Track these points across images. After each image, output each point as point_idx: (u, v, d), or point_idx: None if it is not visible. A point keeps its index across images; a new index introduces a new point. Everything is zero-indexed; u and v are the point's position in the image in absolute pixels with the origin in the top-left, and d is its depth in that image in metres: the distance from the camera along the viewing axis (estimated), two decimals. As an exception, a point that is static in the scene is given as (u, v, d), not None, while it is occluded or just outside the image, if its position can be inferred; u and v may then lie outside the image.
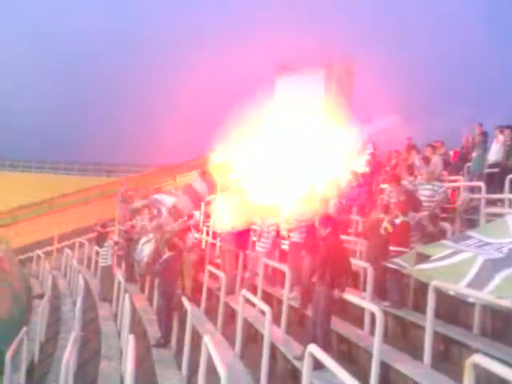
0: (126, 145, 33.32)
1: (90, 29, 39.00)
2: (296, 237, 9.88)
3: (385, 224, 8.52)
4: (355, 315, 8.12)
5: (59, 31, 39.86)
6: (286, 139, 12.94)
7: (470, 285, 5.96)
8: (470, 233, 7.44)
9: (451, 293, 6.18)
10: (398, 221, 8.40)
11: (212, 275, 11.47)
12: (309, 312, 7.63)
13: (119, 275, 13.34)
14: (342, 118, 13.62)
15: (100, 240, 16.70)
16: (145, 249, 12.94)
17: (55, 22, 40.00)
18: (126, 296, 10.46)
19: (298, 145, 12.61)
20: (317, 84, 15.19)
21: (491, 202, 10.45)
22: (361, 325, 7.70)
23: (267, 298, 9.72)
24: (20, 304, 14.39)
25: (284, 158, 12.43)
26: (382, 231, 8.50)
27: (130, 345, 6.76)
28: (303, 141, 12.63)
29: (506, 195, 10.06)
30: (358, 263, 9.16)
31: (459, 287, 5.96)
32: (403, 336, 7.56)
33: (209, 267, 11.41)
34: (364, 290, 8.32)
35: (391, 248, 8.18)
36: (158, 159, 30.68)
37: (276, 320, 8.16)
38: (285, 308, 8.57)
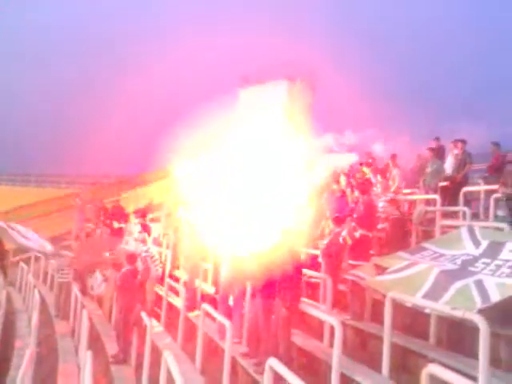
0: (85, 155, 32.71)
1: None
2: None
3: (344, 234, 8.60)
4: (315, 327, 8.18)
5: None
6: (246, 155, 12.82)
7: (426, 296, 6.11)
8: (425, 244, 7.63)
9: (408, 304, 6.32)
10: (357, 234, 8.51)
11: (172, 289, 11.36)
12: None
13: (76, 290, 13.06)
14: (302, 131, 13.76)
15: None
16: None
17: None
18: (84, 311, 10.24)
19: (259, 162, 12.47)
20: (279, 96, 15.32)
21: (446, 215, 10.74)
22: (321, 337, 7.77)
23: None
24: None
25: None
26: (341, 240, 8.59)
27: (87, 361, 6.62)
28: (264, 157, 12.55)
29: (460, 208, 10.37)
30: (317, 275, 9.28)
31: (416, 298, 6.10)
32: (362, 347, 7.66)
33: (168, 280, 11.30)
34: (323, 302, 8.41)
35: (350, 262, 8.28)
36: (117, 170, 30.22)
37: (238, 333, 8.16)
38: (246, 323, 8.56)
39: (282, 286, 6.97)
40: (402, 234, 8.80)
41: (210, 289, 10.89)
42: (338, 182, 12.62)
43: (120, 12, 38.65)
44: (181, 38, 33.62)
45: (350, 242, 8.49)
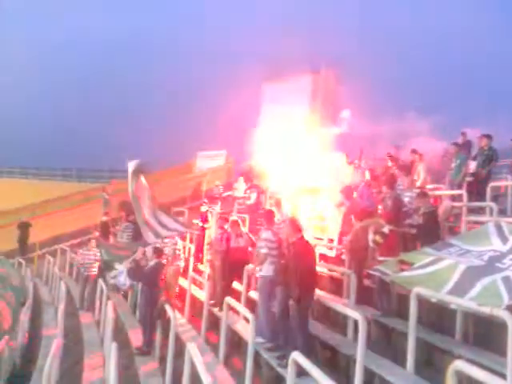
0: (110, 150, 33.01)
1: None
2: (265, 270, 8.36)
3: (373, 237, 8.48)
4: (339, 322, 8.17)
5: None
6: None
7: (451, 292, 6.04)
8: (452, 240, 7.54)
9: (433, 300, 6.26)
10: (386, 230, 8.40)
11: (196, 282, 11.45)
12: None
13: (102, 283, 13.26)
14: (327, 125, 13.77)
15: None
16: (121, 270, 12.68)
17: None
18: (109, 303, 10.39)
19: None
20: (303, 90, 15.24)
21: (472, 210, 10.59)
22: (345, 331, 7.76)
23: (251, 305, 9.73)
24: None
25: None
26: (372, 244, 8.48)
27: (112, 353, 6.71)
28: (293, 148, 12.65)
29: (487, 203, 10.20)
30: (341, 270, 9.26)
31: (441, 294, 6.04)
32: (387, 342, 7.62)
33: (192, 274, 11.38)
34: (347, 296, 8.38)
35: (379, 258, 8.20)
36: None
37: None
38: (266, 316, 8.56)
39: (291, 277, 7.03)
40: (436, 227, 8.64)
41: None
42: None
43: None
44: (208, 37, 33.68)
45: (381, 241, 8.38)
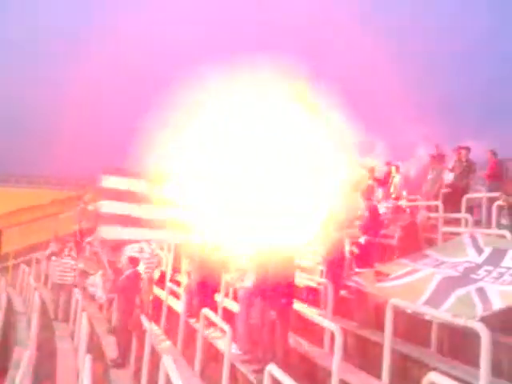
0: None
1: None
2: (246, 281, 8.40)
3: (349, 248, 8.53)
4: (316, 334, 8.15)
5: None
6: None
7: (427, 302, 6.08)
8: (428, 252, 7.61)
9: (409, 311, 6.28)
10: (362, 241, 8.45)
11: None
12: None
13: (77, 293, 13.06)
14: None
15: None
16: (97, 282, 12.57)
17: None
18: (84, 314, 10.22)
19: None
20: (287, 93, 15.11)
21: (448, 222, 10.70)
22: (322, 343, 7.74)
23: (228, 317, 9.66)
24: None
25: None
26: (348, 255, 8.52)
27: (86, 365, 6.59)
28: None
29: (462, 214, 10.34)
30: (318, 280, 9.26)
31: (416, 305, 6.07)
32: (363, 354, 7.61)
33: (169, 285, 11.27)
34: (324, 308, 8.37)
35: (356, 269, 8.24)
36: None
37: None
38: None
39: (274, 290, 6.95)
40: (416, 239, 8.72)
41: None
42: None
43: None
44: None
45: (356, 251, 8.43)
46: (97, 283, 11.74)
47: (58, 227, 21.57)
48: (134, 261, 10.25)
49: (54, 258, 15.42)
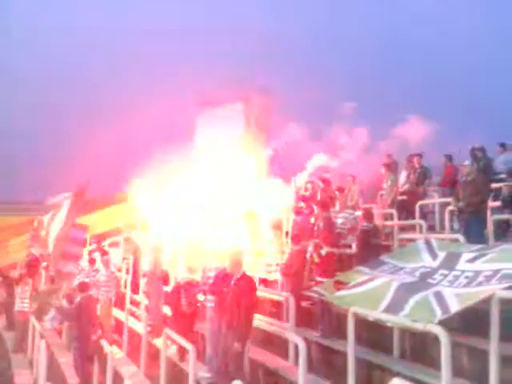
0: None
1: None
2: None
3: (310, 255, 8.62)
4: (280, 345, 8.14)
5: None
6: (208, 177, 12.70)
7: (387, 309, 6.15)
8: (385, 258, 7.72)
9: (370, 319, 6.36)
10: (323, 252, 8.55)
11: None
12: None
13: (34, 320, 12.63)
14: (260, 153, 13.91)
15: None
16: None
17: None
18: (42, 342, 9.89)
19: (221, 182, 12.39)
20: (236, 119, 15.31)
21: (403, 229, 10.94)
22: (286, 355, 7.74)
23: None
24: None
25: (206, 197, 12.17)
26: (308, 257, 8.62)
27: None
28: (225, 177, 12.47)
29: (416, 221, 10.59)
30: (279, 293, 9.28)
31: (377, 312, 6.14)
32: (328, 364, 7.66)
33: (129, 306, 11.06)
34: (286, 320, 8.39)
35: (318, 279, 8.30)
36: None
37: (201, 357, 8.01)
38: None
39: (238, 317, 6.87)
40: (371, 246, 8.87)
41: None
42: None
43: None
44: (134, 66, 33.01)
45: (316, 259, 8.52)
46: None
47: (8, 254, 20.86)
48: (84, 286, 10.08)
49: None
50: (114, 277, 12.10)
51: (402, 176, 12.69)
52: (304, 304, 8.97)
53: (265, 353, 8.18)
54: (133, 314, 11.55)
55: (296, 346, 6.70)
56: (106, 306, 11.35)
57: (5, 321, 15.50)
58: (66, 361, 10.96)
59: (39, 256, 16.69)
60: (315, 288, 7.55)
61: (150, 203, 13.21)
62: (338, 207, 11.69)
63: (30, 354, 12.54)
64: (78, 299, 9.81)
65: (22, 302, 14.01)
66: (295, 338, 6.47)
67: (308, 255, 8.75)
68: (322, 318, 8.30)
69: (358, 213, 10.42)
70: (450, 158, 12.33)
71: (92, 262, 12.59)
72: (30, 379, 10.89)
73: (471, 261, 6.55)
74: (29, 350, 12.70)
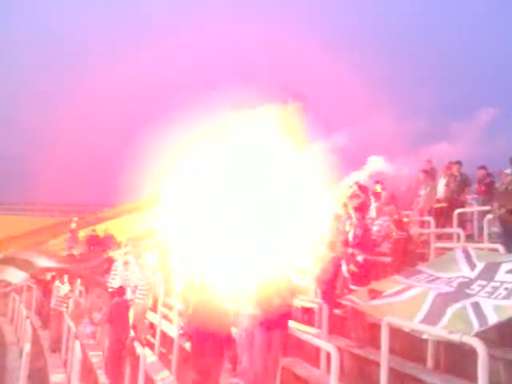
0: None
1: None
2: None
3: (346, 267, 8.51)
4: (312, 354, 8.05)
5: None
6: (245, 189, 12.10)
7: (423, 320, 6.03)
8: (421, 267, 7.58)
9: (406, 329, 6.23)
10: (360, 259, 8.43)
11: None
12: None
13: (69, 320, 12.87)
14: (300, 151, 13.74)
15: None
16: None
17: None
18: (76, 342, 10.06)
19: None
20: (271, 119, 15.29)
21: (440, 237, 10.70)
22: (318, 363, 7.64)
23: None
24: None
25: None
26: (346, 274, 8.50)
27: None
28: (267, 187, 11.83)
29: (454, 229, 10.34)
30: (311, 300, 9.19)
31: (413, 323, 6.02)
32: (360, 373, 7.54)
33: (162, 309, 11.13)
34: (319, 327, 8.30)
35: (351, 286, 8.20)
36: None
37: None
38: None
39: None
40: (406, 255, 8.71)
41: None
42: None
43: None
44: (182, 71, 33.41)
45: (354, 269, 8.40)
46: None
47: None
48: (121, 290, 10.47)
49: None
50: (148, 281, 12.24)
51: (441, 183, 12.42)
52: (337, 312, 8.86)
53: (296, 360, 8.10)
54: (166, 317, 11.61)
55: (328, 354, 6.61)
56: (141, 308, 11.48)
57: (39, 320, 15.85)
58: (99, 362, 11.13)
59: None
60: (349, 296, 7.45)
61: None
62: (374, 213, 11.48)
63: (64, 354, 12.77)
64: (113, 302, 9.99)
65: (57, 301, 14.34)
66: (328, 346, 6.38)
67: (345, 271, 8.62)
68: (354, 327, 8.18)
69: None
70: (484, 168, 12.05)
71: (126, 264, 12.77)
72: (64, 378, 11.08)
73: (511, 271, 6.37)
74: (63, 350, 12.94)
